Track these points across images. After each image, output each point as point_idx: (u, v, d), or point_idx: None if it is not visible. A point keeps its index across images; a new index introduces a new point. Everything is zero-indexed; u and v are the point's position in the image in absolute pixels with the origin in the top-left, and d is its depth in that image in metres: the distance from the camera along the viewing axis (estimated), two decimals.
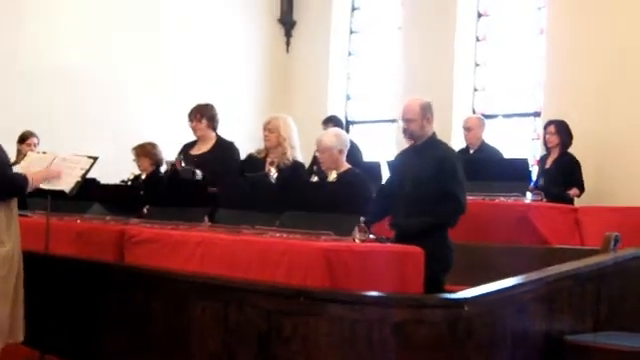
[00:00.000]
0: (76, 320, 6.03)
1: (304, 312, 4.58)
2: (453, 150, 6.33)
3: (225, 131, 7.53)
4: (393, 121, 11.00)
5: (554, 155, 8.38)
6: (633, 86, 8.83)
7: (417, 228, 5.48)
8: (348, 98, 12.19)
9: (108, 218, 6.65)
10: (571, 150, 8.37)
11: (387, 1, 11.85)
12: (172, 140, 7.85)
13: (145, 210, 6.75)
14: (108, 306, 5.79)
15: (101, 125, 10.10)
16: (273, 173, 6.68)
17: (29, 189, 5.51)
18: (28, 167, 5.90)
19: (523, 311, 4.87)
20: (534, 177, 8.28)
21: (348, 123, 11.91)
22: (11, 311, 5.32)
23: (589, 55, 9.21)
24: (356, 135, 11.64)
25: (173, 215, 6.18)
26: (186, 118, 7.44)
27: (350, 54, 12.23)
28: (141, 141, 8.16)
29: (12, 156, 7.97)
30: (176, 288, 5.34)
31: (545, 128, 8.57)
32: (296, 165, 6.80)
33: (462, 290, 4.77)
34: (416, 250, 5.13)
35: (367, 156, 9.69)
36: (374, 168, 8.65)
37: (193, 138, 7.50)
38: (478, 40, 10.76)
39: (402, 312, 4.50)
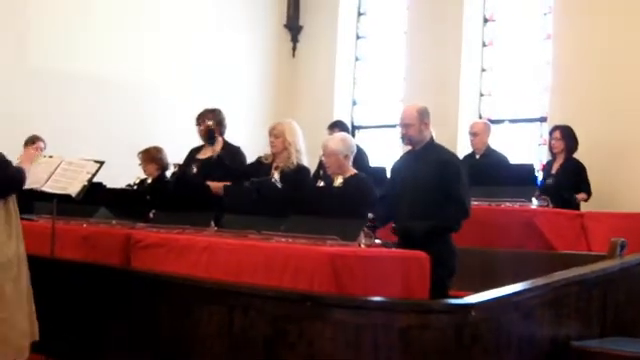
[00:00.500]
0: (81, 325, 6.03)
1: (310, 317, 4.58)
2: (455, 154, 6.33)
3: (231, 136, 7.53)
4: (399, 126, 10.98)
5: (560, 160, 8.36)
6: (639, 91, 8.82)
7: (421, 232, 5.47)
8: (354, 103, 12.18)
9: (114, 222, 6.65)
10: (577, 155, 8.35)
11: (393, 6, 11.85)
12: (179, 144, 7.85)
13: (151, 214, 6.75)
14: (114, 310, 5.80)
15: (108, 129, 10.13)
16: (276, 177, 6.68)
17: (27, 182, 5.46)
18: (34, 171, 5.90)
19: (529, 317, 4.86)
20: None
21: (354, 128, 11.91)
22: (29, 309, 5.33)
23: (595, 60, 9.20)
24: (362, 140, 11.63)
25: (179, 220, 6.18)
26: (193, 122, 7.45)
27: (356, 59, 12.22)
28: (147, 145, 8.18)
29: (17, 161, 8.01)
30: (182, 293, 5.34)
31: (550, 133, 8.56)
32: (300, 168, 6.79)
33: (468, 295, 4.77)
34: (422, 255, 5.12)
35: (373, 161, 9.69)
36: (380, 173, 8.63)
37: (201, 142, 7.49)
38: (484, 45, 10.75)
39: (408, 317, 4.49)
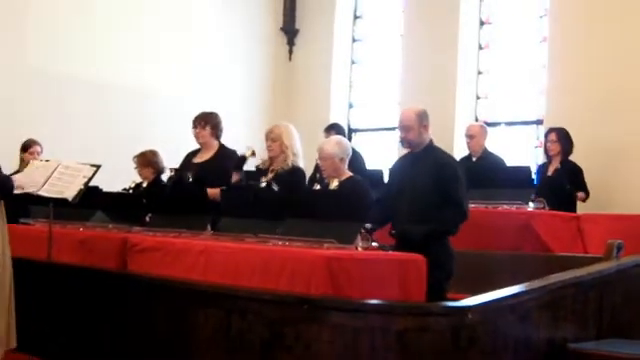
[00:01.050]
0: (78, 328, 6.02)
1: (307, 320, 4.58)
2: (453, 157, 6.33)
3: (227, 139, 7.52)
4: (395, 129, 10.98)
5: (555, 163, 8.38)
6: (635, 94, 8.85)
7: (419, 235, 5.47)
8: (351, 106, 12.20)
9: (111, 226, 6.65)
10: (572, 158, 8.37)
11: (389, 9, 11.87)
12: (177, 147, 7.84)
13: (147, 218, 6.75)
14: (110, 314, 5.79)
15: (107, 130, 10.15)
16: (268, 179, 6.68)
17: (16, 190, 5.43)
18: (31, 175, 5.89)
19: (526, 319, 4.86)
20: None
21: (351, 131, 11.93)
22: (8, 318, 5.30)
23: (591, 63, 9.23)
24: (359, 143, 11.66)
25: (175, 223, 6.18)
26: (190, 125, 7.44)
27: (353, 62, 12.25)
28: (145, 147, 8.18)
29: (15, 164, 8.03)
30: (179, 296, 5.33)
31: (546, 136, 8.58)
32: (294, 170, 6.78)
33: (465, 298, 4.77)
34: (418, 258, 5.13)
35: (370, 164, 9.70)
36: (377, 176, 8.66)
37: (197, 146, 7.49)
38: (481, 48, 10.78)
39: (405, 320, 4.49)
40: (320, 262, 4.73)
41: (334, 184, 6.19)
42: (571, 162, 8.34)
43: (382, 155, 11.18)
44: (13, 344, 5.39)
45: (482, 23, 10.80)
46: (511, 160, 9.16)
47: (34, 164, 6.29)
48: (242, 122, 10.95)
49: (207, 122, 7.30)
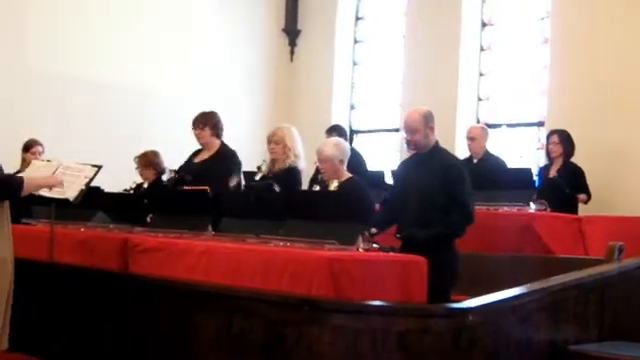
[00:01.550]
0: (79, 328, 6.02)
1: (308, 321, 4.58)
2: (459, 158, 6.32)
3: (228, 140, 7.52)
4: (397, 130, 11.01)
5: (557, 165, 8.38)
6: (636, 95, 8.84)
7: (427, 239, 5.44)
8: (352, 107, 12.20)
9: (112, 226, 6.65)
10: (574, 159, 8.37)
11: (391, 11, 11.87)
12: (178, 147, 7.85)
13: (149, 219, 6.75)
14: (112, 314, 5.79)
15: (107, 130, 10.16)
16: (264, 173, 6.70)
17: (25, 191, 5.43)
18: (33, 174, 5.89)
19: (527, 321, 4.87)
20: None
21: (352, 132, 11.93)
22: (3, 319, 5.29)
23: (592, 64, 9.22)
24: (360, 144, 11.66)
25: (177, 224, 6.18)
26: (190, 125, 7.44)
27: (354, 63, 12.25)
28: (146, 148, 8.18)
29: (17, 164, 8.03)
30: (180, 297, 5.33)
31: (548, 138, 8.58)
32: (289, 169, 6.79)
33: (466, 299, 4.77)
34: (419, 259, 5.12)
35: (371, 165, 9.70)
36: (378, 177, 8.66)
37: (199, 146, 7.49)
38: (482, 49, 10.77)
39: (406, 321, 4.49)
40: (321, 263, 4.73)
41: (334, 185, 6.19)
42: (573, 164, 8.34)
43: (384, 156, 11.20)
44: (4, 345, 5.36)
45: (484, 24, 10.79)
46: (512, 162, 9.17)
47: (35, 164, 6.29)
48: (243, 123, 10.98)
49: (206, 123, 7.29)
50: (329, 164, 6.21)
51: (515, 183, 7.63)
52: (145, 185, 8.03)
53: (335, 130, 9.62)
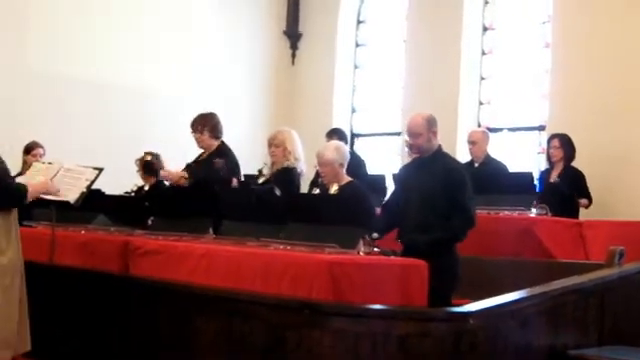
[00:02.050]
0: (81, 331, 6.02)
1: (308, 325, 4.58)
2: (461, 163, 6.32)
3: (230, 142, 7.52)
4: (398, 134, 11.02)
5: (558, 169, 8.38)
6: (638, 100, 8.84)
7: (427, 243, 5.44)
8: (353, 111, 12.20)
9: (113, 229, 6.65)
10: (575, 164, 8.37)
11: (393, 14, 11.87)
12: (178, 148, 7.85)
13: (149, 221, 6.75)
14: (112, 317, 5.79)
15: (108, 130, 10.17)
16: (264, 175, 6.71)
17: (29, 199, 5.45)
18: (33, 178, 5.89)
19: (527, 325, 4.87)
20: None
21: (353, 136, 11.94)
22: (20, 321, 5.30)
23: (594, 68, 9.22)
24: (361, 148, 11.66)
25: (177, 226, 6.18)
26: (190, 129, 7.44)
27: (356, 67, 12.25)
28: (146, 149, 8.19)
29: (18, 167, 8.02)
30: (180, 300, 5.34)
31: (549, 142, 8.58)
32: (286, 170, 6.79)
33: (466, 303, 4.77)
34: (420, 263, 5.12)
35: (372, 169, 9.70)
36: (379, 181, 8.67)
37: (199, 150, 7.48)
38: (484, 53, 10.77)
39: (406, 325, 4.50)
40: (322, 267, 4.73)
41: (334, 189, 6.20)
42: (573, 168, 8.34)
43: (385, 160, 11.19)
44: (27, 347, 5.37)
45: (485, 29, 10.80)
46: (513, 166, 9.16)
47: (36, 166, 6.29)
48: (243, 125, 10.98)
49: (204, 125, 7.23)
50: (329, 168, 6.21)
51: (516, 187, 7.63)
52: (146, 188, 8.04)
53: (335, 133, 9.62)
